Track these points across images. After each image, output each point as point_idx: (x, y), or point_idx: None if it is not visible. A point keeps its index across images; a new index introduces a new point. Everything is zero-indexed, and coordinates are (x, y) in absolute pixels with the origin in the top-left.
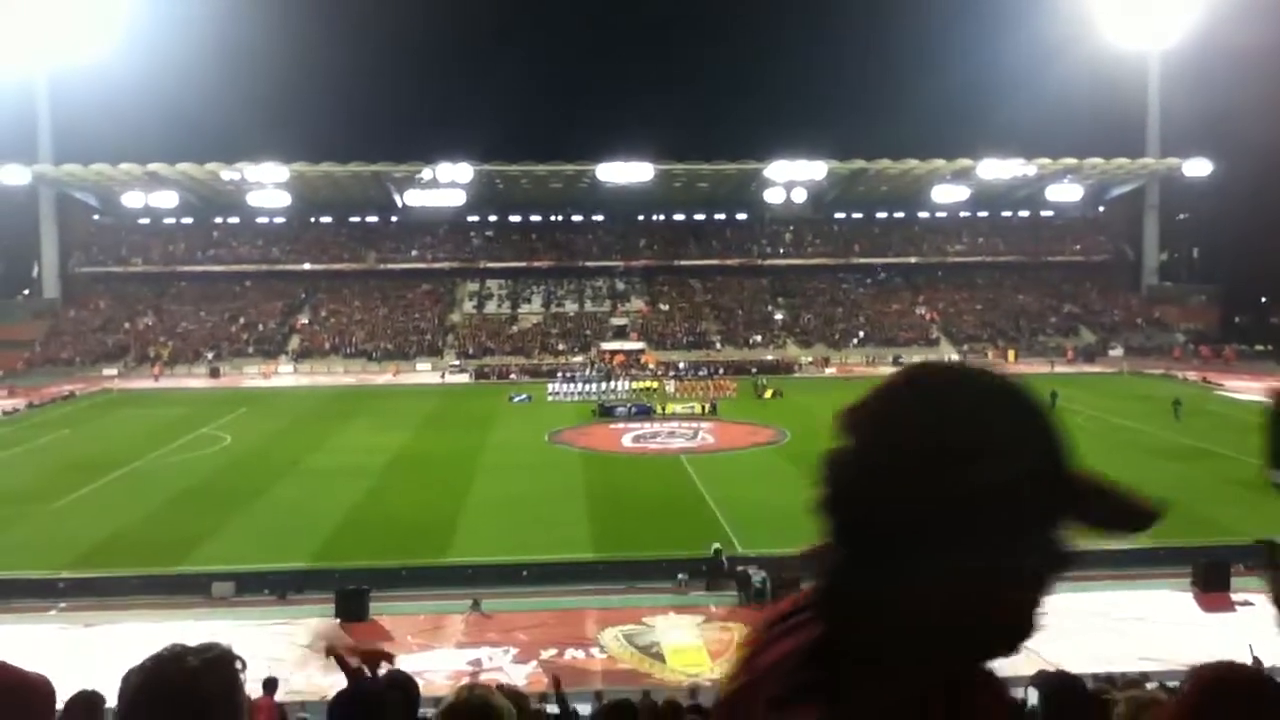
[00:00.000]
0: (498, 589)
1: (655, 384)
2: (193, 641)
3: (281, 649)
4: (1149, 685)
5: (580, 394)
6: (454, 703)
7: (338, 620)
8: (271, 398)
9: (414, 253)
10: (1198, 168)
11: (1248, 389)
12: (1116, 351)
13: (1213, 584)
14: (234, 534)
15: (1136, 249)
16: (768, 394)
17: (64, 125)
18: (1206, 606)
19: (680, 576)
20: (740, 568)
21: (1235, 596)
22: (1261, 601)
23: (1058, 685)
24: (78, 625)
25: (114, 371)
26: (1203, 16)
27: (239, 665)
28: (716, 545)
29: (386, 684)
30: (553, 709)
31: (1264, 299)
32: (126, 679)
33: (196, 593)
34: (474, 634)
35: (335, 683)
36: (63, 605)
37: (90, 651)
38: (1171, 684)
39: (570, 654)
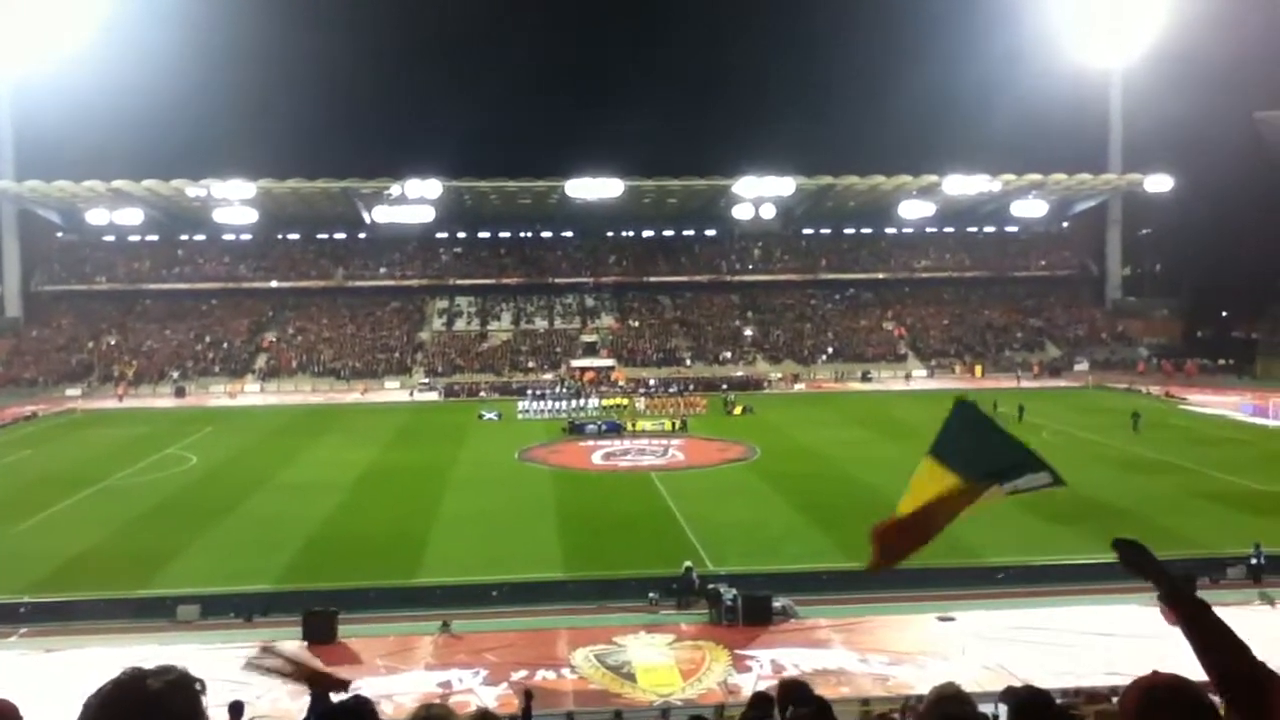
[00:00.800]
0: (467, 609)
1: (625, 401)
2: (152, 665)
3: (248, 673)
4: (1114, 700)
5: (550, 411)
6: None
7: (300, 643)
8: (238, 417)
9: (382, 270)
10: (1159, 183)
11: (1210, 403)
12: (1082, 366)
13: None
14: (200, 555)
15: (1100, 264)
16: (737, 410)
17: (27, 141)
18: (1171, 620)
19: (651, 595)
20: (711, 585)
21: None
22: (1229, 614)
23: (1027, 700)
24: (39, 650)
25: (78, 391)
26: (1163, 34)
27: (199, 687)
28: (687, 563)
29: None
30: None
31: (1225, 313)
32: (87, 705)
33: (161, 616)
34: (443, 656)
35: (301, 706)
36: (24, 630)
37: (52, 677)
38: None
39: (541, 675)
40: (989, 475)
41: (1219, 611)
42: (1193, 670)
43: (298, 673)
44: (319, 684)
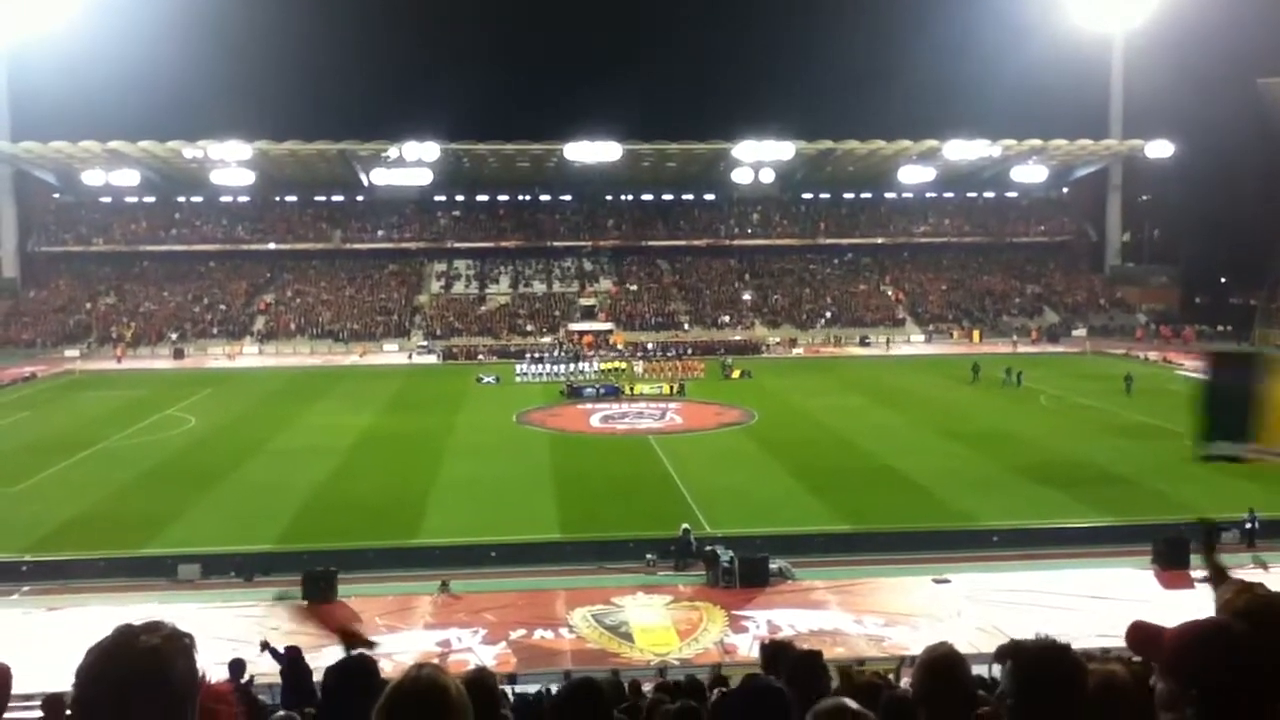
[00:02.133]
0: (466, 570)
1: (623, 365)
2: (141, 623)
3: (248, 631)
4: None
5: (548, 375)
6: (401, 682)
7: (305, 602)
8: (236, 379)
9: (380, 233)
10: (1159, 149)
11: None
12: (1080, 332)
13: (1173, 561)
14: (200, 516)
15: (1100, 230)
16: (736, 374)
17: (22, 101)
18: (1166, 584)
19: (649, 556)
20: (708, 547)
21: (1195, 574)
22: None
23: (1036, 656)
24: (41, 609)
25: (76, 353)
26: (1163, 1)
27: (188, 641)
28: (685, 525)
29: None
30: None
31: (1223, 279)
32: (85, 660)
33: (162, 575)
34: (442, 615)
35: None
36: (26, 589)
37: (54, 635)
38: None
39: (539, 634)
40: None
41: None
42: None
43: (334, 627)
44: (350, 639)
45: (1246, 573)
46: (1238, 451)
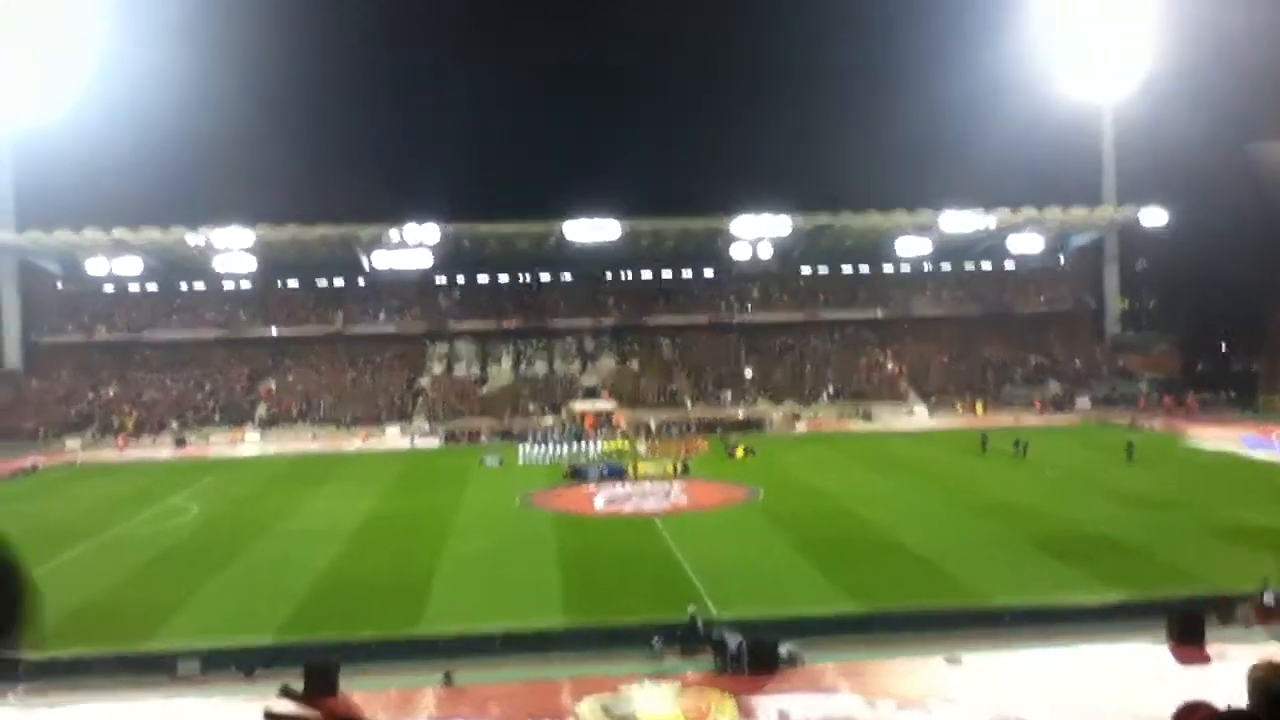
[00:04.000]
0: (470, 659)
1: (627, 444)
2: None
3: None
4: None
5: (552, 456)
6: None
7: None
8: (238, 466)
9: (382, 316)
10: (1154, 216)
11: (1213, 436)
12: (1084, 402)
13: (1187, 637)
14: (201, 607)
15: (1099, 298)
16: (740, 451)
17: (26, 191)
18: (1182, 660)
19: (655, 642)
20: (716, 632)
21: (1210, 649)
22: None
23: None
24: (40, 707)
25: (78, 442)
26: (1154, 68)
27: None
28: (692, 608)
29: None
30: None
31: (1224, 346)
32: None
33: (162, 671)
34: (446, 709)
35: None
36: (22, 688)
37: None
38: None
39: None
40: None
41: (1227, 649)
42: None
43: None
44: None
45: (1258, 647)
46: None
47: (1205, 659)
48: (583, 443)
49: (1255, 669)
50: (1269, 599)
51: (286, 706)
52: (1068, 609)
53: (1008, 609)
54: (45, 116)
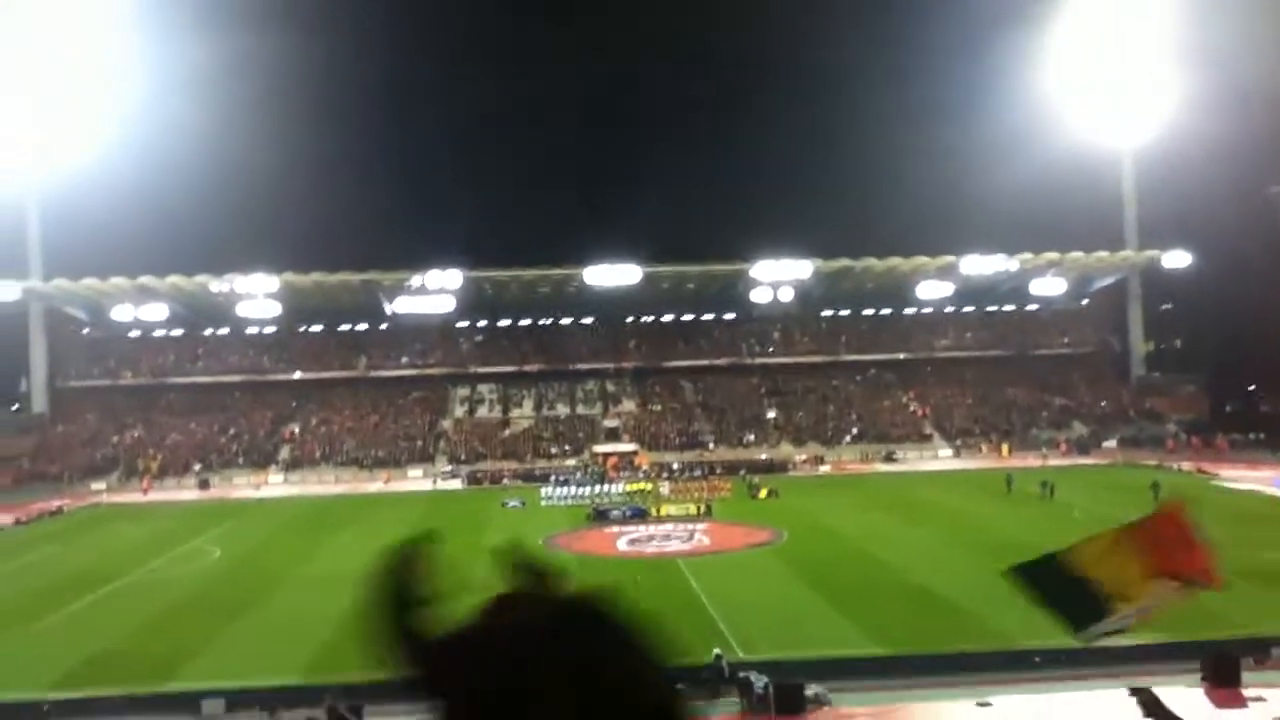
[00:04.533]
0: None
1: (649, 485)
2: None
3: None
4: None
5: (574, 497)
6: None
7: None
8: (262, 509)
9: (404, 359)
10: (1177, 259)
11: (1243, 478)
12: (1110, 443)
13: (1222, 679)
14: (224, 649)
15: (1123, 340)
16: (763, 494)
17: (54, 239)
18: (1219, 703)
19: (679, 685)
20: (742, 674)
21: (1246, 692)
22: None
23: None
24: None
25: (103, 485)
26: (1172, 113)
27: None
28: (717, 651)
29: None
30: None
31: (1252, 387)
32: None
33: (186, 712)
34: None
35: None
36: None
37: None
38: None
39: None
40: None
41: (1264, 692)
42: None
43: None
44: None
45: None
46: (1113, 626)
47: (1241, 702)
48: (605, 484)
49: None
50: None
51: None
52: (1099, 651)
53: (1038, 651)
54: (72, 166)
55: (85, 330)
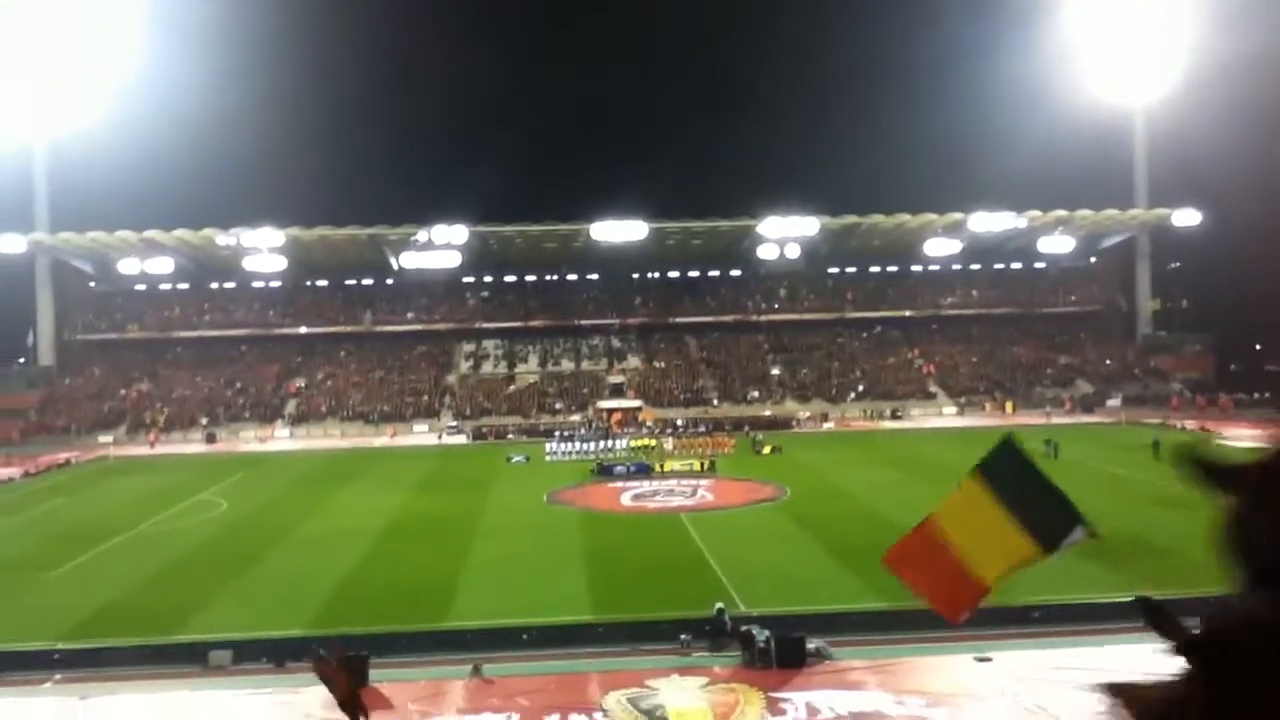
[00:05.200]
0: (498, 653)
1: (653, 442)
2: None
3: (281, 717)
4: None
5: (578, 453)
6: None
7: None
8: (268, 462)
9: (410, 315)
10: (1186, 217)
11: (1247, 437)
12: (1114, 402)
13: None
14: (231, 601)
15: (1130, 299)
16: (766, 450)
17: (60, 193)
18: None
19: (683, 637)
20: (744, 627)
21: None
22: None
23: None
24: (73, 697)
25: (110, 439)
26: (1184, 69)
27: None
28: (719, 604)
29: None
30: None
31: (1258, 346)
32: None
33: (193, 662)
34: (475, 700)
35: None
36: (58, 677)
37: None
38: None
39: (573, 719)
40: (1042, 533)
41: None
42: None
43: (340, 689)
44: (346, 708)
45: None
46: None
47: None
48: (609, 440)
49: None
50: None
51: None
52: (1100, 606)
53: (1037, 607)
54: (79, 120)
55: (92, 284)
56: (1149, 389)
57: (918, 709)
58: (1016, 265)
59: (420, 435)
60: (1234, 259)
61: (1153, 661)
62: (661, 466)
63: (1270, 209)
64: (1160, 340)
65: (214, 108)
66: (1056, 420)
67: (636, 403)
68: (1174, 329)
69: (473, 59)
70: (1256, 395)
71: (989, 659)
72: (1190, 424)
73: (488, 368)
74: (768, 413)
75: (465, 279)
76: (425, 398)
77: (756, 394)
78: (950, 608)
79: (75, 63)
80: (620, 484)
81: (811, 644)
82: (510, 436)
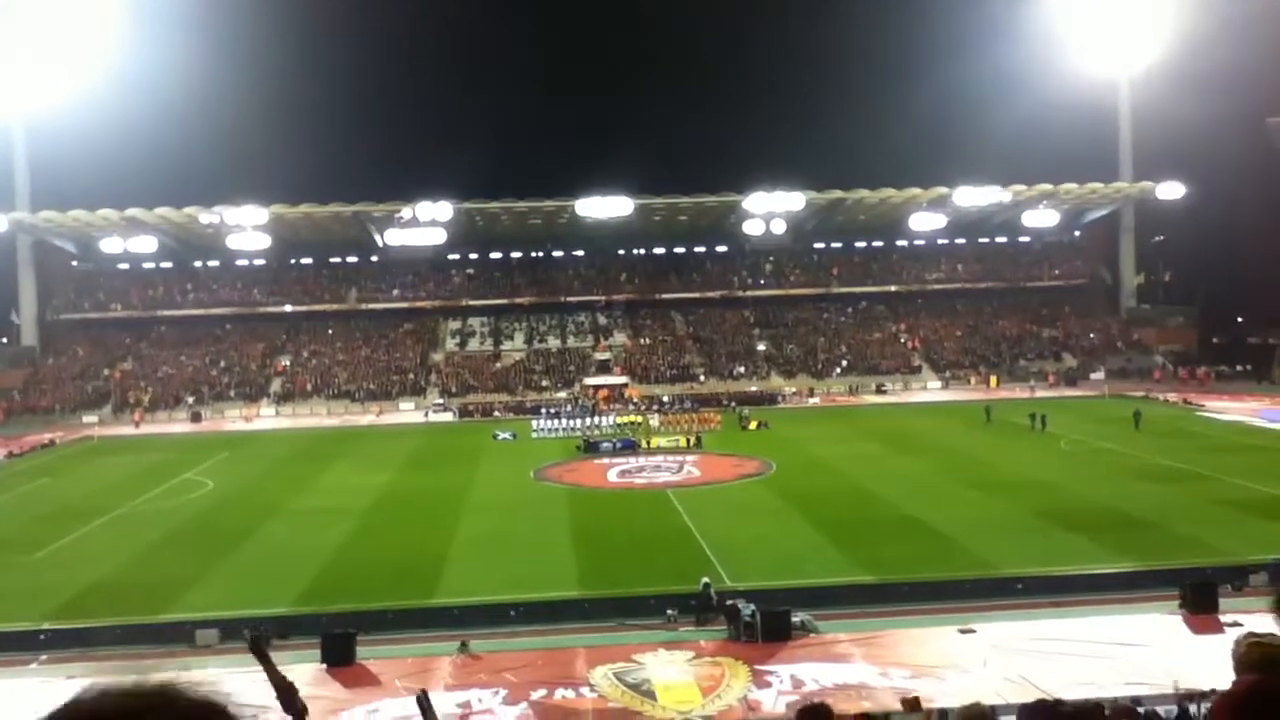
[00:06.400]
0: (486, 629)
1: (639, 418)
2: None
3: (267, 696)
4: (1140, 710)
5: (565, 430)
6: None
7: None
8: (254, 441)
9: (395, 292)
10: (1171, 191)
11: (1227, 409)
12: (1098, 375)
13: (1201, 606)
14: (218, 580)
15: (1114, 272)
16: (753, 425)
17: (41, 171)
18: (1195, 629)
19: (669, 612)
20: (729, 602)
21: (1224, 618)
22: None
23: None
24: (59, 677)
25: (94, 418)
26: (1171, 42)
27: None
28: (705, 579)
29: None
30: None
31: (1240, 319)
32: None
33: (180, 641)
34: (463, 676)
35: None
36: (44, 657)
37: None
38: (1161, 708)
39: (560, 694)
40: None
41: (1241, 618)
42: (1214, 678)
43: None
44: (280, 696)
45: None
46: None
47: (1219, 628)
48: (595, 417)
49: (1238, 643)
50: None
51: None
52: (1081, 578)
53: (1020, 578)
54: (60, 97)
55: (74, 263)
56: (1132, 362)
57: (901, 680)
58: (1001, 239)
59: (406, 413)
60: (1217, 232)
61: (1129, 632)
62: (648, 443)
63: (1253, 182)
64: (1144, 313)
65: (196, 84)
66: (1040, 394)
67: (623, 379)
68: (1158, 302)
69: (457, 34)
70: (1239, 368)
71: (972, 630)
72: (1173, 396)
73: (474, 345)
74: (754, 388)
75: (450, 256)
76: (411, 375)
77: (742, 369)
78: None
79: (55, 40)
80: (607, 460)
81: (797, 617)
82: (496, 414)
